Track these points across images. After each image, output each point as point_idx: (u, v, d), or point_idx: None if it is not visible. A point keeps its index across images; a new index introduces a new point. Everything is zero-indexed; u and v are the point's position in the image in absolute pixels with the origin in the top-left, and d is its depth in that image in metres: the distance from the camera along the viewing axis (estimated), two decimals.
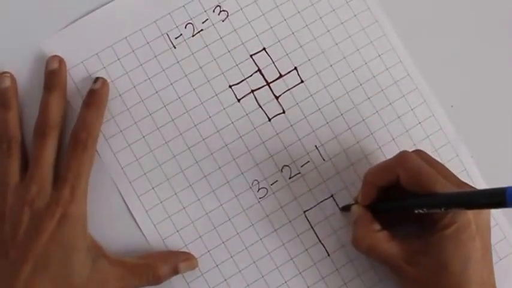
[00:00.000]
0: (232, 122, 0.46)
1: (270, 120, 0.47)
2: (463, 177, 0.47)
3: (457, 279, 0.40)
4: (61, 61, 0.45)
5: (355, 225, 0.43)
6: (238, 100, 0.47)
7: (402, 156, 0.42)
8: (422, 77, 0.48)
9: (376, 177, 0.43)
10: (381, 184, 0.43)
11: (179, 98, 0.46)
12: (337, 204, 0.46)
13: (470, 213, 0.40)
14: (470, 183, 0.47)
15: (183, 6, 0.47)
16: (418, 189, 0.41)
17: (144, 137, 0.46)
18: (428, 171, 0.41)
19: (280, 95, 0.47)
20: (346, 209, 0.46)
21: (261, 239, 0.46)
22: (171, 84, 0.46)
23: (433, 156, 0.47)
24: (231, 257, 0.45)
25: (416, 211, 0.41)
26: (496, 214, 0.48)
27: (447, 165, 0.47)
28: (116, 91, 0.46)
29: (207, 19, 0.47)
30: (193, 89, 0.46)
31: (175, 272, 0.44)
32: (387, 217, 0.44)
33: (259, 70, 0.47)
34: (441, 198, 0.39)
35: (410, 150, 0.47)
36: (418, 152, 0.44)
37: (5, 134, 0.43)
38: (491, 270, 0.42)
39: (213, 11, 0.47)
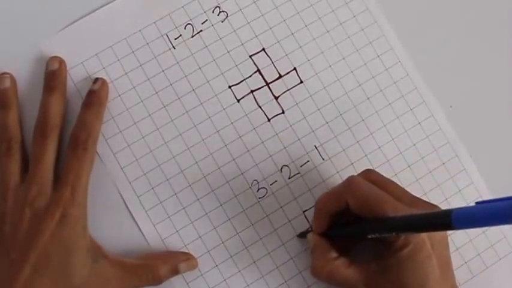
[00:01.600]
0: (232, 122, 0.46)
1: (269, 120, 0.47)
2: (462, 177, 0.47)
3: None
4: (61, 62, 0.45)
5: (312, 255, 0.43)
6: (238, 100, 0.47)
7: (349, 182, 0.42)
8: (422, 77, 0.48)
9: (326, 205, 0.43)
10: (332, 211, 0.43)
11: (179, 98, 0.46)
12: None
13: (424, 233, 0.40)
14: (470, 183, 0.48)
15: (183, 7, 0.47)
16: (368, 214, 0.40)
17: (143, 137, 0.46)
18: (376, 196, 0.40)
19: (279, 95, 0.47)
20: (302, 235, 0.46)
21: (260, 238, 0.46)
22: (171, 84, 0.46)
23: (432, 156, 0.47)
24: (231, 257, 0.45)
25: (369, 236, 0.40)
26: None
27: (446, 165, 0.48)
28: (115, 92, 0.46)
29: (206, 20, 0.47)
30: (193, 90, 0.46)
31: (175, 272, 0.44)
32: (344, 241, 0.43)
33: (258, 70, 0.47)
34: (391, 223, 0.39)
35: (410, 149, 0.47)
36: (368, 174, 0.44)
37: (5, 135, 0.43)
38: (453, 286, 0.41)
39: (213, 11, 0.47)
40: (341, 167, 0.47)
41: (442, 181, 0.47)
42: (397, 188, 0.43)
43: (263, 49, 0.47)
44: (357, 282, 0.41)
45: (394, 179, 0.46)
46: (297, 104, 0.47)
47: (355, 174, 0.45)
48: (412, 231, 0.38)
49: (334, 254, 0.42)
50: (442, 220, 0.34)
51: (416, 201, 0.42)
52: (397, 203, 0.40)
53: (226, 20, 0.47)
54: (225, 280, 0.45)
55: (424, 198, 0.46)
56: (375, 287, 0.41)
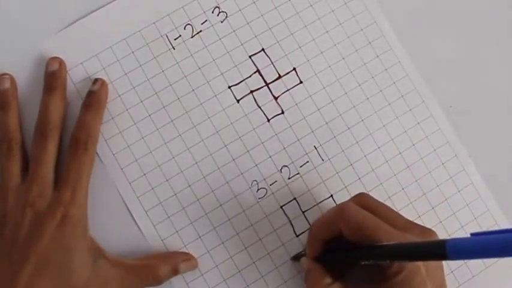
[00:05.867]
0: (232, 123, 0.46)
1: (269, 120, 0.47)
2: (462, 177, 0.47)
3: None
4: (61, 62, 0.45)
5: (307, 280, 0.42)
6: (238, 101, 0.47)
7: (341, 209, 0.41)
8: (421, 77, 0.48)
9: (320, 231, 0.42)
10: (325, 238, 0.42)
11: (178, 98, 0.46)
12: (336, 205, 0.46)
13: None
14: (469, 183, 0.48)
15: (182, 7, 0.47)
16: (362, 241, 0.39)
17: (143, 137, 0.46)
18: (370, 223, 0.39)
19: (279, 96, 0.47)
20: (296, 258, 0.45)
21: (260, 239, 0.46)
22: (171, 85, 0.46)
23: (431, 156, 0.47)
24: (231, 257, 0.45)
25: (363, 262, 0.40)
26: (497, 215, 0.48)
27: (446, 165, 0.48)
28: (115, 92, 0.46)
29: (206, 20, 0.47)
30: (193, 90, 0.46)
31: (175, 272, 0.44)
32: (338, 265, 0.42)
33: (258, 71, 0.47)
34: (384, 250, 0.38)
35: (409, 150, 0.47)
36: (360, 198, 0.43)
37: (5, 136, 0.43)
38: None
39: (212, 12, 0.47)
40: (340, 167, 0.47)
41: (442, 181, 0.48)
42: (390, 212, 0.42)
43: (263, 49, 0.47)
44: None
45: (393, 180, 0.46)
46: (296, 104, 0.47)
47: (355, 174, 0.45)
48: (406, 259, 0.38)
49: (328, 280, 0.41)
50: (436, 250, 0.33)
51: (409, 225, 0.41)
52: (391, 230, 0.39)
53: (225, 20, 0.47)
54: (224, 280, 0.45)
55: (423, 199, 0.46)
56: None
